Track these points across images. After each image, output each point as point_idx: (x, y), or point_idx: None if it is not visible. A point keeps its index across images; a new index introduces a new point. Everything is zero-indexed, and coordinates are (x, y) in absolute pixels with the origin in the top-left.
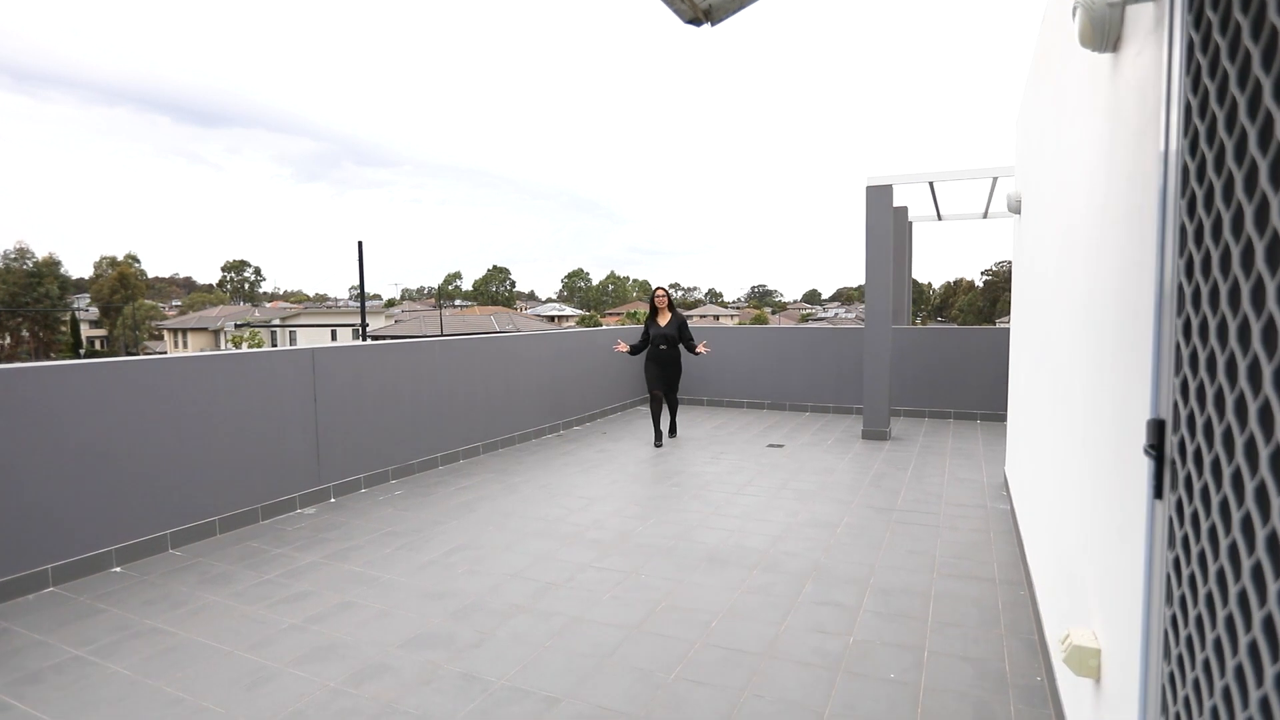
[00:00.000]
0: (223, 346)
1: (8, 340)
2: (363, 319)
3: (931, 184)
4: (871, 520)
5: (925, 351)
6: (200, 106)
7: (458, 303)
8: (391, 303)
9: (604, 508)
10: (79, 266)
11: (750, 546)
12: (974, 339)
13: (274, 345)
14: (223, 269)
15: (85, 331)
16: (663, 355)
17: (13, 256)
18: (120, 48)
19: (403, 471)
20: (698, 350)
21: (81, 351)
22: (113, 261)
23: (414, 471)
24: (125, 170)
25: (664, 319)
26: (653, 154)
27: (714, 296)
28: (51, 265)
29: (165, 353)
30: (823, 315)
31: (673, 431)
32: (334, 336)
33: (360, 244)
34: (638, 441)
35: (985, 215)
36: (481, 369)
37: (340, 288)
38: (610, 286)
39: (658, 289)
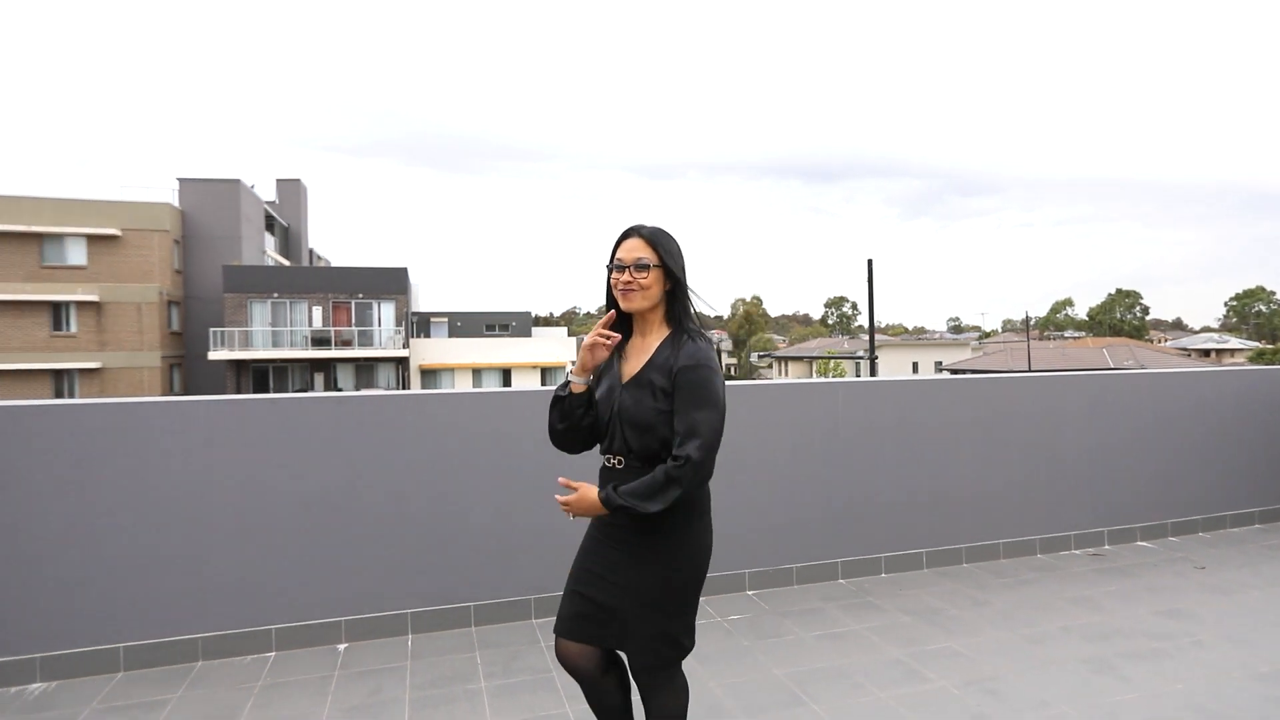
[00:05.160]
0: (812, 374)
1: None
2: (871, 347)
3: None
4: None
5: None
6: (825, 167)
7: (1068, 333)
8: (985, 334)
9: None
10: (721, 308)
11: None
12: None
13: (856, 376)
14: (825, 305)
15: (725, 359)
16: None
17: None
18: (769, 132)
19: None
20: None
21: None
22: (744, 302)
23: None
24: (769, 227)
25: (638, 354)
26: None
27: None
28: None
29: (772, 378)
30: None
31: None
32: (915, 369)
33: (870, 262)
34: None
35: None
36: (945, 423)
37: (939, 320)
38: None
39: (622, 239)
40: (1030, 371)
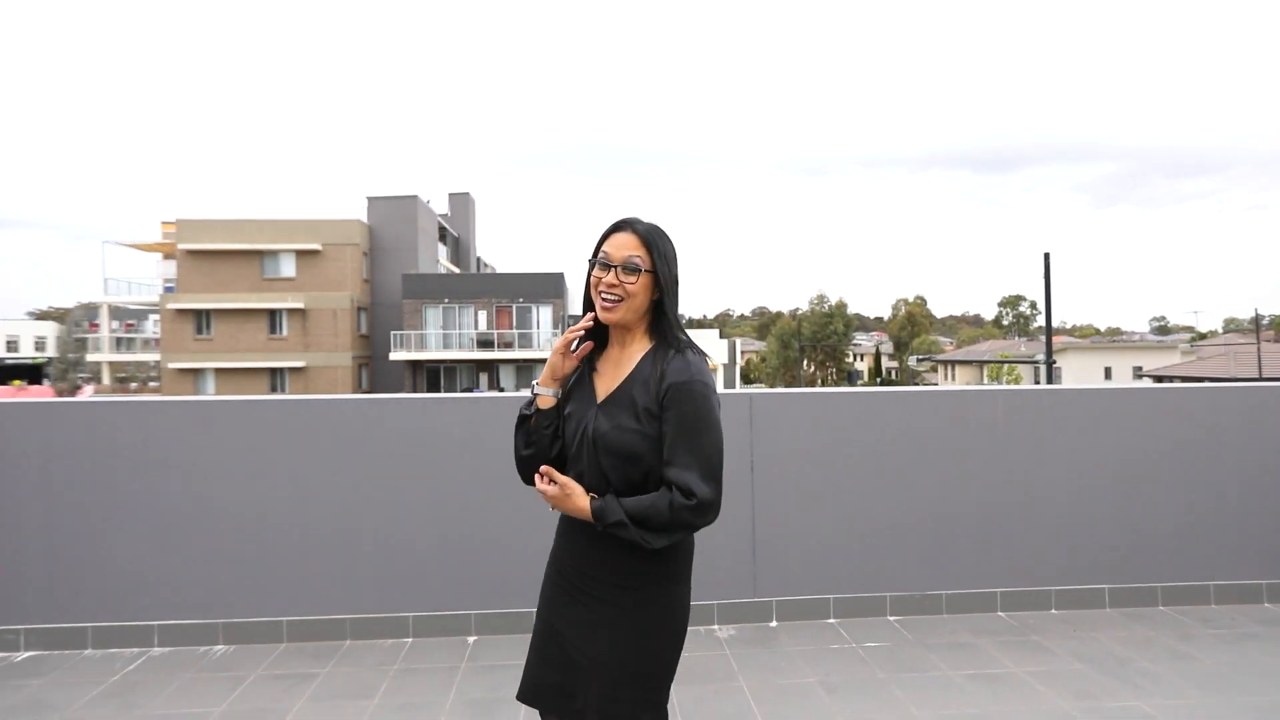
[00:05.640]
0: (983, 380)
1: (812, 369)
2: (1048, 351)
3: None
4: None
5: None
6: (998, 155)
7: None
8: (1199, 335)
9: None
10: (881, 308)
11: None
12: None
13: (1035, 383)
14: (999, 305)
15: (885, 363)
16: (581, 546)
17: (815, 302)
18: (934, 121)
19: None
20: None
21: (879, 380)
22: (906, 302)
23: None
24: (935, 222)
25: (616, 367)
26: None
27: None
28: (841, 308)
29: (935, 384)
30: None
31: None
32: (1108, 375)
33: (1047, 256)
34: None
35: None
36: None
37: (1139, 320)
38: None
39: (612, 231)
40: (1260, 380)
